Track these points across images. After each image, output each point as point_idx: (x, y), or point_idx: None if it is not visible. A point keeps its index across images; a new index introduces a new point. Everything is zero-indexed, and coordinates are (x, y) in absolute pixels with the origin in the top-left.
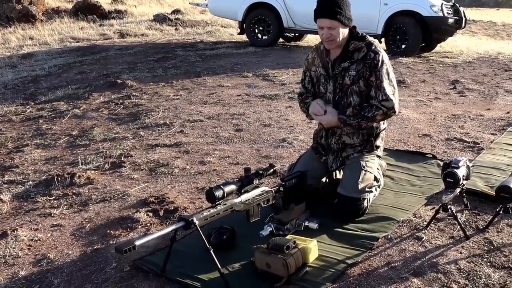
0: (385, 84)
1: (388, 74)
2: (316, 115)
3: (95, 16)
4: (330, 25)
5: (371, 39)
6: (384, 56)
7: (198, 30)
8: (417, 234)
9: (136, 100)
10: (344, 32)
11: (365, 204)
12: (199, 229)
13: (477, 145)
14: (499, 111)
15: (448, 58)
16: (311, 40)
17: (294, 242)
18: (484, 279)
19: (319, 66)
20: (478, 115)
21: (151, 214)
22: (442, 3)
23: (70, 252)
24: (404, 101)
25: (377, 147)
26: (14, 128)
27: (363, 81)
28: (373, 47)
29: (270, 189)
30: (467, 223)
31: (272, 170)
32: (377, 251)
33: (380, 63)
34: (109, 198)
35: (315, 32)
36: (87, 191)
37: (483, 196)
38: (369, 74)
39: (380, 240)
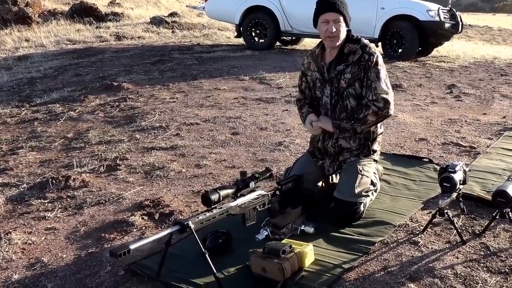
0: (377, 84)
1: (380, 73)
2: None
3: (91, 18)
4: (336, 17)
5: (365, 41)
6: (378, 57)
7: (195, 33)
8: (413, 238)
9: (132, 103)
10: (344, 31)
11: (362, 208)
12: (195, 233)
13: (473, 150)
14: (496, 116)
15: (445, 62)
16: (308, 43)
17: (290, 246)
18: (481, 284)
19: (314, 70)
20: (474, 119)
21: (146, 217)
22: (439, 8)
23: (64, 255)
24: (401, 105)
25: (374, 151)
26: (9, 131)
27: (358, 83)
28: (367, 49)
29: (266, 193)
30: (463, 228)
31: (268, 173)
32: (374, 256)
33: (373, 64)
34: (104, 201)
35: (312, 36)
36: (82, 194)
37: (479, 201)
38: (363, 75)
39: (376, 244)
